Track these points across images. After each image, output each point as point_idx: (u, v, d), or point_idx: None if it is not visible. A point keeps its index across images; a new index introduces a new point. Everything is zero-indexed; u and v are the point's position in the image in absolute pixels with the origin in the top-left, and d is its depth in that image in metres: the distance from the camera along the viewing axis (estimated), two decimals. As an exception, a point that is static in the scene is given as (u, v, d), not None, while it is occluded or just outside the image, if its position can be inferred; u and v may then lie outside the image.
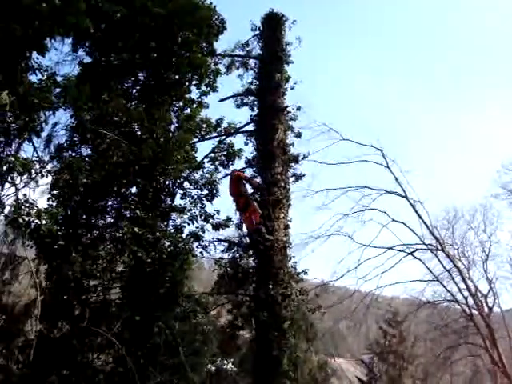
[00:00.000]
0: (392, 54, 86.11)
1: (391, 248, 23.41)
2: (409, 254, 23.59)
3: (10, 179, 8.00)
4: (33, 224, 8.37)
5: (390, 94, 77.17)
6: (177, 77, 12.33)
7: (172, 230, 11.80)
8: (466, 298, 24.09)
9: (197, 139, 13.48)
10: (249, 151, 14.20)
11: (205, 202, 12.52)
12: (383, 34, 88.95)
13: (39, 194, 9.29)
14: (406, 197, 23.63)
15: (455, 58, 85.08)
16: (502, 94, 71.48)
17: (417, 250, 23.89)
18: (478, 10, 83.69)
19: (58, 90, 8.25)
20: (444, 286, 24.44)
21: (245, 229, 12.82)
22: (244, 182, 12.26)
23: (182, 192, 12.42)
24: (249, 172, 13.59)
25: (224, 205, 13.18)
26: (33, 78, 8.09)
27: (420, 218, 23.73)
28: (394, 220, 23.47)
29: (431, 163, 68.94)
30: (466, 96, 77.95)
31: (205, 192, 12.59)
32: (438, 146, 71.54)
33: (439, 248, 23.78)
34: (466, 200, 67.20)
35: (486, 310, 24.88)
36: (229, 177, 12.75)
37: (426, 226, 23.77)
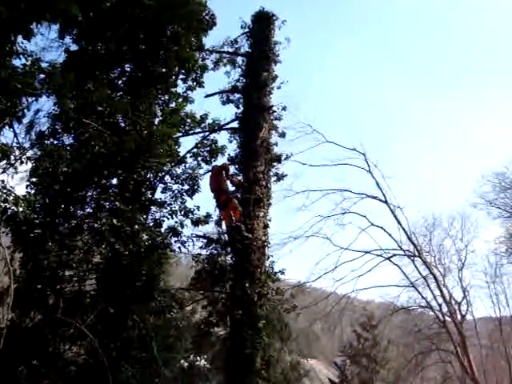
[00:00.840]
0: (392, 53, 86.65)
1: (369, 252, 23.66)
2: (386, 258, 23.83)
3: (-13, 164, 7.89)
4: (9, 211, 8.29)
5: (390, 93, 77.66)
6: (163, 70, 12.28)
7: (151, 224, 11.76)
8: (440, 305, 24.41)
9: (180, 134, 13.42)
10: (232, 148, 14.13)
11: (185, 197, 12.51)
12: (383, 34, 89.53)
13: (18, 181, 9.17)
14: (386, 202, 23.86)
15: (455, 58, 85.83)
16: (501, 93, 72.39)
17: (394, 255, 24.18)
18: (477, 10, 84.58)
19: (42, 76, 8.17)
20: (419, 292, 24.77)
21: (224, 226, 12.77)
22: (224, 177, 12.19)
23: (162, 186, 12.40)
24: (231, 169, 13.53)
25: (204, 201, 13.17)
26: (17, 62, 7.99)
27: (399, 223, 24.02)
28: (373, 224, 23.74)
29: (430, 164, 69.70)
30: (466, 96, 78.77)
31: (186, 187, 12.58)
32: (436, 146, 72.36)
33: (416, 254, 24.02)
34: (456, 201, 67.91)
35: (458, 317, 25.19)
36: (210, 172, 12.67)
37: (405, 231, 24.07)
